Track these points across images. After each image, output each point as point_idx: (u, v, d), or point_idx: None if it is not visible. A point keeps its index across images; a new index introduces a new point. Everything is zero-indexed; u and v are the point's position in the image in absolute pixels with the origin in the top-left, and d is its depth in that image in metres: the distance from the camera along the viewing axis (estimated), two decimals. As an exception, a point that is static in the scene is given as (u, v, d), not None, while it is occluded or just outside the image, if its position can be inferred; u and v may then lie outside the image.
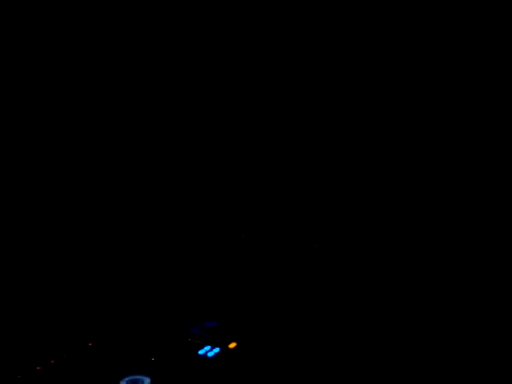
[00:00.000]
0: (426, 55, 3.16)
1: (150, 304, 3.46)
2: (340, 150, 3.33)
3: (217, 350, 3.13)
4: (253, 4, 2.98)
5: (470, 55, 3.13)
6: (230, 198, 3.33)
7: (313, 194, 3.41)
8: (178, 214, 3.44)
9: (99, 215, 3.44)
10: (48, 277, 3.45)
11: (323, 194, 3.41)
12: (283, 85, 3.17)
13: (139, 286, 3.51)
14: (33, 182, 3.28)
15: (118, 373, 3.08)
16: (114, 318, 3.37)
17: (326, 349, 3.10)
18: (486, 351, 2.93)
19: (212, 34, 3.11)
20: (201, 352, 3.13)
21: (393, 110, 3.28)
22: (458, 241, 3.42)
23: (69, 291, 3.48)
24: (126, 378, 3.06)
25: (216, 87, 3.24)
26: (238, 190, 3.27)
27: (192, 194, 3.31)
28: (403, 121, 3.30)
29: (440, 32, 3.15)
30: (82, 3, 3.00)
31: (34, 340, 3.22)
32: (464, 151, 3.34)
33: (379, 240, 3.52)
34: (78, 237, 3.48)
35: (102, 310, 3.41)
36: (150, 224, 3.45)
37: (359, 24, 3.08)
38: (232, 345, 3.15)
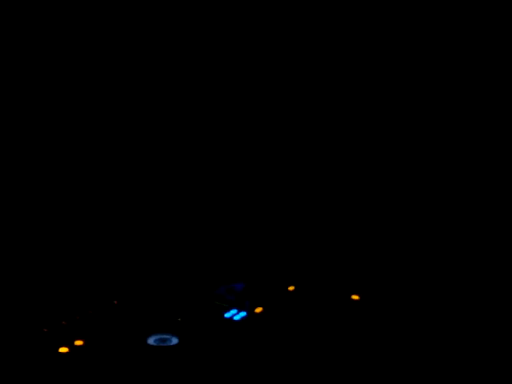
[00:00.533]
0: (423, 55, 3.13)
1: (176, 263, 3.52)
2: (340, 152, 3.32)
3: (243, 313, 3.18)
4: (252, 4, 2.96)
5: (465, 55, 3.10)
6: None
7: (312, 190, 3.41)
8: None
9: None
10: (77, 242, 3.49)
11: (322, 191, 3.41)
12: (283, 85, 3.15)
13: (166, 247, 3.56)
14: (33, 182, 3.28)
15: (145, 331, 3.13)
16: (141, 278, 3.43)
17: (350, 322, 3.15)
18: (486, 351, 2.96)
19: (211, 34, 3.10)
20: (227, 315, 3.18)
21: (392, 110, 3.26)
22: (457, 241, 3.44)
23: (95, 249, 3.52)
24: (154, 336, 3.12)
25: (215, 87, 3.20)
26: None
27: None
28: (402, 121, 3.29)
29: (438, 32, 3.12)
30: (82, 3, 2.99)
31: (60, 296, 3.27)
32: (462, 150, 3.34)
33: (379, 239, 3.54)
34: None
35: (128, 269, 3.46)
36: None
37: (358, 24, 3.05)
38: (258, 309, 3.20)
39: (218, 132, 3.25)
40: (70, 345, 3.03)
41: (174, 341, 3.10)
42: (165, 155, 3.27)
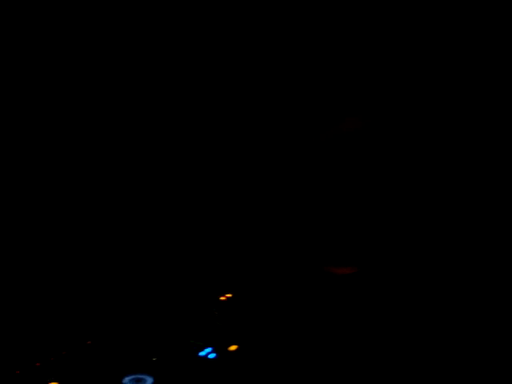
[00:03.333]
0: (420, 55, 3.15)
1: (150, 303, 3.52)
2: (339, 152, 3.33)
3: (216, 352, 3.20)
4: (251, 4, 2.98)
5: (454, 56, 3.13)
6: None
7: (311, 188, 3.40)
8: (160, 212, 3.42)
9: (99, 211, 3.44)
10: (47, 275, 3.48)
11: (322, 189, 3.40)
12: (282, 85, 3.16)
13: (139, 286, 3.56)
14: (32, 182, 3.28)
15: (120, 371, 3.13)
16: (114, 317, 3.42)
17: (327, 351, 3.19)
18: (486, 351, 2.99)
19: (209, 34, 3.12)
20: (202, 354, 3.20)
21: (392, 110, 3.28)
22: (456, 240, 3.48)
23: (68, 288, 3.51)
24: (129, 377, 3.11)
25: (214, 87, 3.22)
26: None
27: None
28: (401, 120, 3.31)
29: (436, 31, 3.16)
30: (82, 3, 3.00)
31: (33, 337, 3.25)
32: (462, 150, 3.37)
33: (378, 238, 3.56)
34: (75, 234, 3.50)
35: (102, 308, 3.45)
36: (137, 227, 3.45)
37: (357, 24, 3.08)
38: (232, 347, 3.22)
39: (213, 136, 3.23)
40: (44, 387, 3.00)
41: (149, 381, 3.09)
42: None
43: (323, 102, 3.13)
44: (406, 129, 3.20)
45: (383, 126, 3.15)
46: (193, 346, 3.26)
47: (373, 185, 3.31)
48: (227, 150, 3.27)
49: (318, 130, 3.10)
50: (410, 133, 3.22)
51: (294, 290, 3.65)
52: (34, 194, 3.25)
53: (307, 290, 3.58)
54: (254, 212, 3.42)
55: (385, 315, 3.34)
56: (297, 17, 3.04)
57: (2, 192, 3.19)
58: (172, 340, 3.31)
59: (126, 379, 3.12)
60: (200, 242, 3.47)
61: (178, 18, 3.04)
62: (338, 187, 3.26)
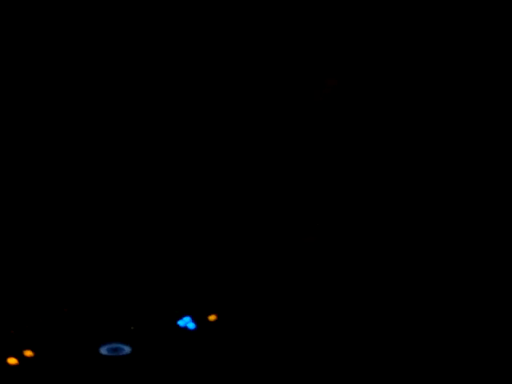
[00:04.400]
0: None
1: (127, 272, 3.24)
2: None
3: (196, 321, 3.28)
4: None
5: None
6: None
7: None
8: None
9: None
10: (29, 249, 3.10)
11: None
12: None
13: (119, 256, 3.19)
14: (33, 182, 2.99)
15: (97, 340, 3.24)
16: (91, 284, 3.21)
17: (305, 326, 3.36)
18: (486, 351, 3.35)
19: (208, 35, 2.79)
20: (181, 323, 3.27)
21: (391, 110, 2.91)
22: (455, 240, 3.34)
23: (48, 259, 3.15)
24: (107, 345, 3.27)
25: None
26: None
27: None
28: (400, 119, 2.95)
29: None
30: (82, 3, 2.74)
31: (7, 303, 3.14)
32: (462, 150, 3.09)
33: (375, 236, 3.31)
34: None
35: (79, 275, 3.18)
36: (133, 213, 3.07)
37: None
38: (212, 317, 3.29)
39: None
40: (19, 356, 3.16)
41: (127, 350, 3.27)
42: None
43: (302, 65, 2.81)
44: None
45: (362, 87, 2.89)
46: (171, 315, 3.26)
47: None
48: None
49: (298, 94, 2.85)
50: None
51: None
52: (33, 194, 2.85)
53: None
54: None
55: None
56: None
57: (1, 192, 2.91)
58: (150, 309, 3.25)
59: (103, 348, 3.26)
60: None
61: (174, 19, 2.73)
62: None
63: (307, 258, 3.14)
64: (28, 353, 2.91)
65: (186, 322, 3.08)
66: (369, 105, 2.85)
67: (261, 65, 2.78)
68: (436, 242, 3.20)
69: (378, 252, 3.16)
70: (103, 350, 3.00)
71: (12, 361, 2.92)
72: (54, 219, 2.92)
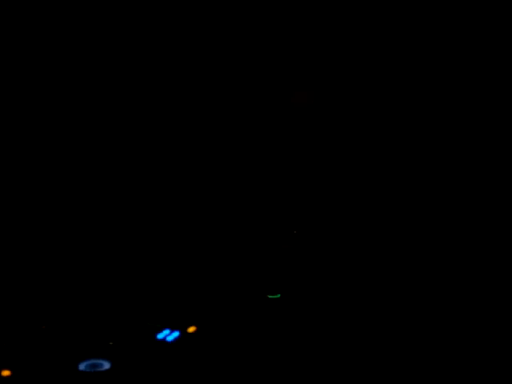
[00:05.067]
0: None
1: (109, 287, 3.38)
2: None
3: (176, 333, 3.13)
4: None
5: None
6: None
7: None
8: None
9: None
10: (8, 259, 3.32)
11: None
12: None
13: (97, 270, 3.40)
14: (33, 182, 3.15)
15: (75, 357, 3.07)
16: (71, 302, 3.29)
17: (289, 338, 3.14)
18: (485, 351, 2.98)
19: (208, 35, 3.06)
20: (160, 336, 3.13)
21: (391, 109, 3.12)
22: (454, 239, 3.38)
23: (25, 274, 3.35)
24: (86, 362, 3.07)
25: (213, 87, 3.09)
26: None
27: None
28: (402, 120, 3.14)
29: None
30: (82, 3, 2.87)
31: None
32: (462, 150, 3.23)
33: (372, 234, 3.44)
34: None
35: (58, 291, 3.31)
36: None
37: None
38: (191, 329, 3.15)
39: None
40: (-3, 375, 2.96)
41: (106, 365, 3.06)
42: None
43: (273, 77, 2.94)
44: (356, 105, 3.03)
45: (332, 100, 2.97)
46: (152, 328, 3.18)
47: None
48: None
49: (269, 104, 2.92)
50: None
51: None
52: (34, 194, 3.04)
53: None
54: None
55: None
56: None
57: (1, 192, 3.06)
58: (129, 323, 3.21)
59: (82, 365, 3.07)
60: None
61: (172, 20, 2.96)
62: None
63: (285, 266, 3.38)
64: (5, 372, 3.07)
65: (165, 335, 3.22)
66: (343, 111, 3.25)
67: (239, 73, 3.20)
68: (427, 245, 3.42)
69: (361, 258, 3.39)
70: (82, 367, 3.12)
71: (-10, 380, 3.05)
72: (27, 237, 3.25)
